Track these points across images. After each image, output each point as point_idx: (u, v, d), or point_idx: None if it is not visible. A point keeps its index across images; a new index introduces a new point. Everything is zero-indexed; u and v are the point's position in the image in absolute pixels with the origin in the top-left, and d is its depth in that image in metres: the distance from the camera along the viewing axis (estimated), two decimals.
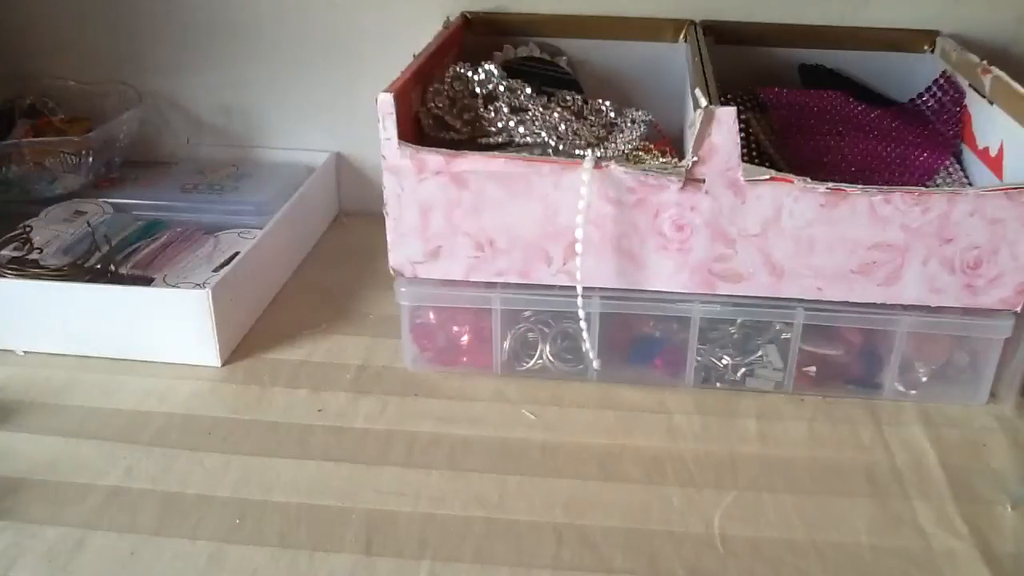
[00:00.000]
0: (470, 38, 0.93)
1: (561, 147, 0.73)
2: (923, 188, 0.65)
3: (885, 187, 0.65)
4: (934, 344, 0.73)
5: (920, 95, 0.88)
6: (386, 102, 0.65)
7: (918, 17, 0.91)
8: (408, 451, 0.68)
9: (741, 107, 0.84)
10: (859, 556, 0.59)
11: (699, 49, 0.82)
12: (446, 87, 0.78)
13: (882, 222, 0.65)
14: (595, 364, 0.71)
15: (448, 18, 0.92)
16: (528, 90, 0.80)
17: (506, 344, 0.75)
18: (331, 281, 0.92)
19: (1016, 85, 0.72)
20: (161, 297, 0.77)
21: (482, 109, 0.77)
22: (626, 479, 0.66)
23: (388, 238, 0.71)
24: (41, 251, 0.86)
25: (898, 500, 0.64)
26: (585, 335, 0.69)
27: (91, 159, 0.95)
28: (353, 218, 1.05)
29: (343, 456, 0.68)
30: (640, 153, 0.75)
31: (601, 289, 0.71)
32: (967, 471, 0.66)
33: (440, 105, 0.77)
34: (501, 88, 0.79)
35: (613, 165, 0.65)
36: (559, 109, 0.80)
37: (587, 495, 0.64)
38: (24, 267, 0.83)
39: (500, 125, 0.75)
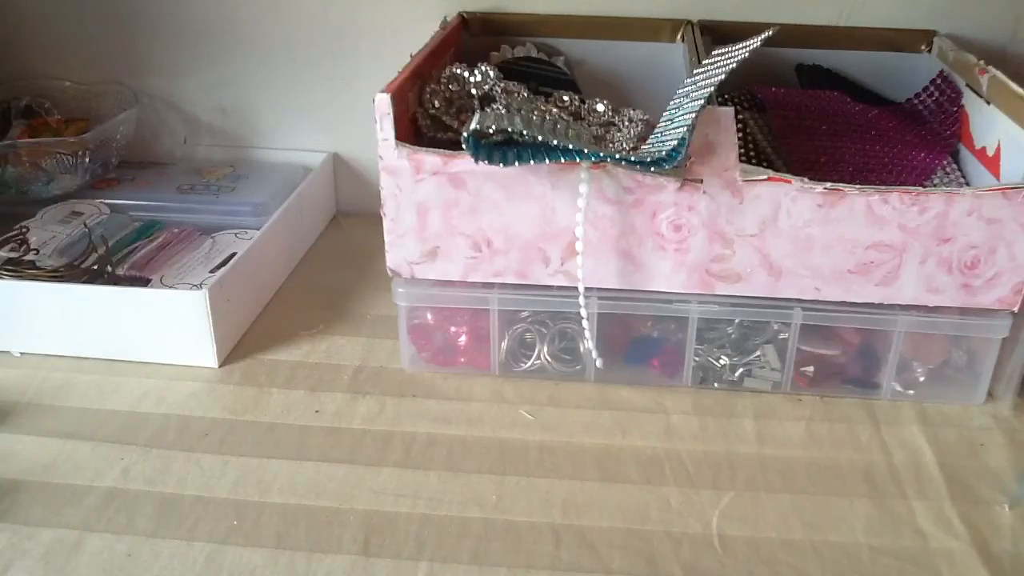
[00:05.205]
0: (467, 38, 0.93)
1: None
2: (921, 188, 0.65)
3: (883, 187, 0.65)
4: (932, 344, 0.73)
5: (917, 95, 0.88)
6: (383, 102, 0.65)
7: (915, 17, 0.91)
8: (406, 452, 0.68)
9: (738, 107, 0.84)
10: (857, 556, 0.59)
11: (696, 49, 0.82)
12: (442, 88, 0.78)
13: (880, 222, 0.65)
14: (597, 363, 0.71)
15: (445, 18, 0.92)
16: (525, 92, 0.80)
17: (504, 344, 0.75)
18: (328, 282, 0.91)
19: (1013, 85, 0.72)
20: (158, 298, 0.77)
21: (479, 110, 0.77)
22: (624, 479, 0.66)
23: (385, 239, 0.71)
24: (38, 252, 0.85)
25: (896, 500, 0.64)
26: (587, 333, 0.69)
27: (87, 160, 0.95)
28: (350, 219, 1.05)
29: (341, 457, 0.68)
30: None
31: (599, 289, 0.71)
32: (965, 471, 0.66)
33: (437, 106, 0.77)
34: (498, 89, 0.79)
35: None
36: (556, 109, 0.80)
37: (585, 495, 0.64)
38: (21, 268, 0.82)
39: None
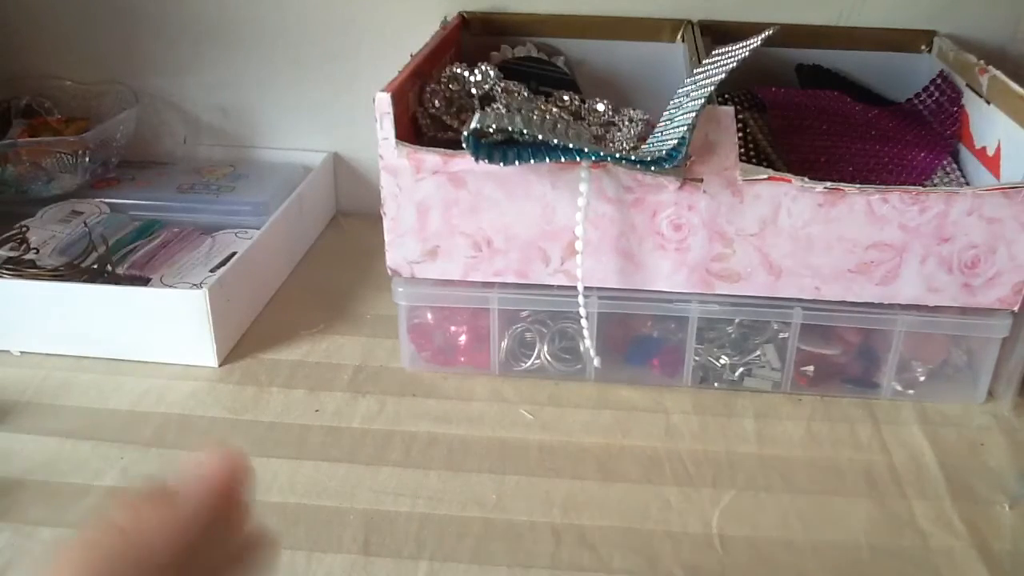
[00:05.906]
0: (468, 38, 0.93)
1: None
2: (921, 188, 0.65)
3: (883, 187, 0.65)
4: (932, 343, 0.73)
5: (918, 95, 0.88)
6: (384, 101, 0.65)
7: (915, 17, 0.91)
8: (406, 451, 0.68)
9: (739, 107, 0.84)
10: (857, 555, 0.59)
11: (696, 49, 0.82)
12: (442, 87, 0.78)
13: (880, 222, 0.65)
14: (596, 362, 0.71)
15: (446, 18, 0.92)
16: (525, 91, 0.80)
17: (504, 344, 0.75)
18: (328, 281, 0.91)
19: (1013, 85, 0.72)
20: (158, 297, 0.77)
21: (479, 109, 0.77)
22: (624, 479, 0.66)
23: (385, 238, 0.71)
24: (38, 251, 0.85)
25: (896, 499, 0.64)
26: (585, 332, 0.69)
27: (87, 159, 0.95)
28: (350, 218, 1.05)
29: (341, 456, 0.68)
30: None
31: (599, 289, 0.71)
32: (965, 470, 0.66)
33: (437, 105, 0.77)
34: (498, 89, 0.79)
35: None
36: (556, 109, 0.80)
37: (585, 495, 0.64)
38: (21, 267, 0.82)
39: None
